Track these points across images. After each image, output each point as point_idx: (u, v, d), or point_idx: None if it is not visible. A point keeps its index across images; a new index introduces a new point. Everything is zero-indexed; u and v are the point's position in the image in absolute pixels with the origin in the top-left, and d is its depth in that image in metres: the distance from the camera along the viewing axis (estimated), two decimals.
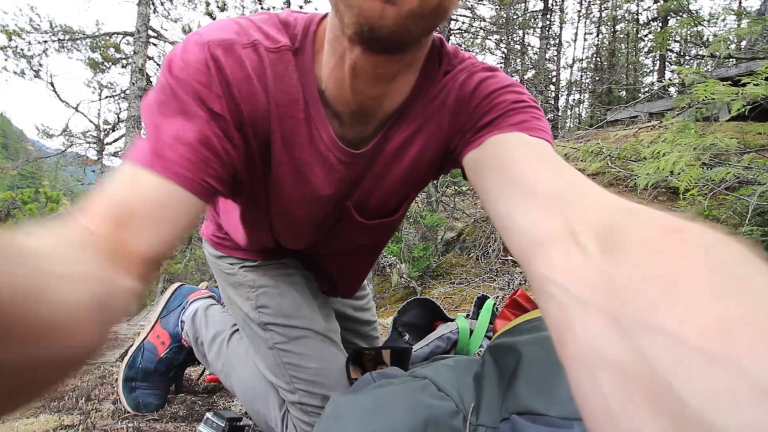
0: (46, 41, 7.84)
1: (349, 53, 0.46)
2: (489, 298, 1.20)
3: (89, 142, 8.55)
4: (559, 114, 16.25)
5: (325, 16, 0.52)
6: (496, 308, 1.17)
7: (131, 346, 1.15)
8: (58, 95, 7.52)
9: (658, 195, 4.32)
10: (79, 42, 8.10)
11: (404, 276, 2.91)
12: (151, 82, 6.34)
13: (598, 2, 18.59)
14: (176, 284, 1.28)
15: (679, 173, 1.74)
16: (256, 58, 0.49)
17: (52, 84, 7.56)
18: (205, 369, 1.27)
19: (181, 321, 1.15)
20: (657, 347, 0.18)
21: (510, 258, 3.53)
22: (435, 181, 4.37)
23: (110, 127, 8.41)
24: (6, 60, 7.65)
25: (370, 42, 0.42)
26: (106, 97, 8.50)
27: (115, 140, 8.44)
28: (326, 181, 0.58)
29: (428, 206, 3.89)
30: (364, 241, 0.78)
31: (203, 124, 0.45)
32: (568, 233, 0.31)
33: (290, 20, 0.52)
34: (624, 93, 16.33)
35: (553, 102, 15.74)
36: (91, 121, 8.27)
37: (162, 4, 7.45)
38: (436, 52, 0.55)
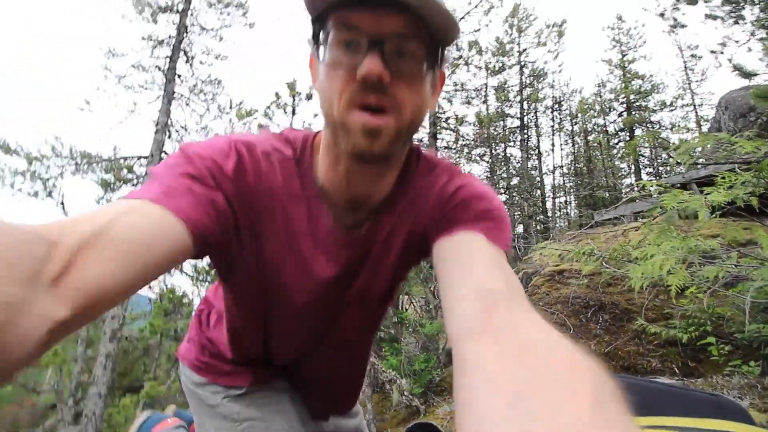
0: (63, 165, 8.45)
1: (343, 159, 0.55)
2: None
3: None
4: (549, 216, 16.90)
5: (318, 132, 0.64)
6: None
7: None
8: (66, 215, 7.82)
9: (659, 294, 4.28)
10: (95, 165, 8.75)
11: (405, 393, 2.70)
12: None
13: (568, 118, 20.81)
14: (142, 417, 1.17)
15: (668, 273, 1.78)
16: (268, 163, 0.58)
17: (62, 204, 7.93)
18: None
19: None
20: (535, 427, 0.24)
21: None
22: (433, 287, 4.35)
23: None
24: (23, 183, 8.15)
25: (361, 159, 0.53)
26: None
27: None
28: (327, 265, 0.63)
29: (427, 314, 3.81)
30: (359, 336, 0.80)
31: (211, 190, 0.50)
32: (492, 329, 0.38)
33: (290, 137, 0.63)
34: (607, 194, 17.23)
35: (541, 205, 16.51)
36: None
37: (177, 132, 8.25)
38: (414, 153, 0.66)
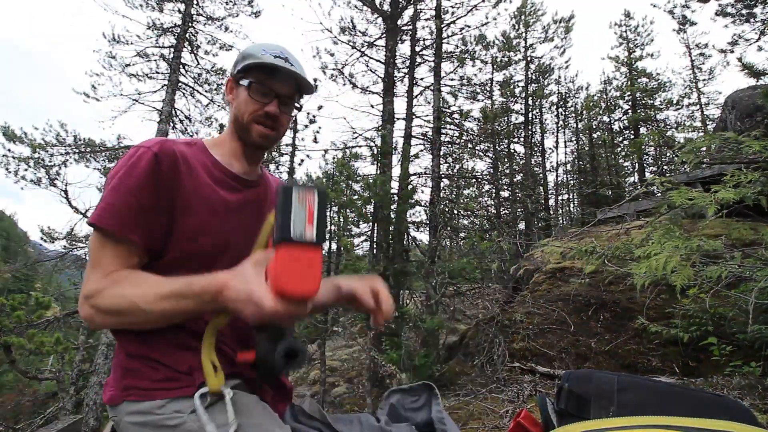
0: (67, 153, 8.45)
1: (243, 139, 0.94)
2: None
3: None
4: (551, 213, 16.85)
5: (202, 138, 0.98)
6: None
7: None
8: (69, 202, 7.84)
9: (660, 293, 4.27)
10: (98, 153, 8.74)
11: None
12: None
13: (573, 115, 20.65)
14: None
15: (672, 272, 1.77)
16: (182, 148, 0.85)
17: (65, 191, 7.94)
18: None
19: None
20: None
21: (518, 365, 3.33)
22: (434, 282, 4.35)
23: None
24: (26, 170, 8.15)
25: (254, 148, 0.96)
26: None
27: None
28: (231, 203, 0.89)
29: (428, 309, 3.81)
30: None
31: (146, 196, 0.77)
32: None
33: (189, 139, 0.95)
34: (610, 192, 17.13)
35: (543, 202, 16.45)
36: None
37: (181, 122, 8.23)
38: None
